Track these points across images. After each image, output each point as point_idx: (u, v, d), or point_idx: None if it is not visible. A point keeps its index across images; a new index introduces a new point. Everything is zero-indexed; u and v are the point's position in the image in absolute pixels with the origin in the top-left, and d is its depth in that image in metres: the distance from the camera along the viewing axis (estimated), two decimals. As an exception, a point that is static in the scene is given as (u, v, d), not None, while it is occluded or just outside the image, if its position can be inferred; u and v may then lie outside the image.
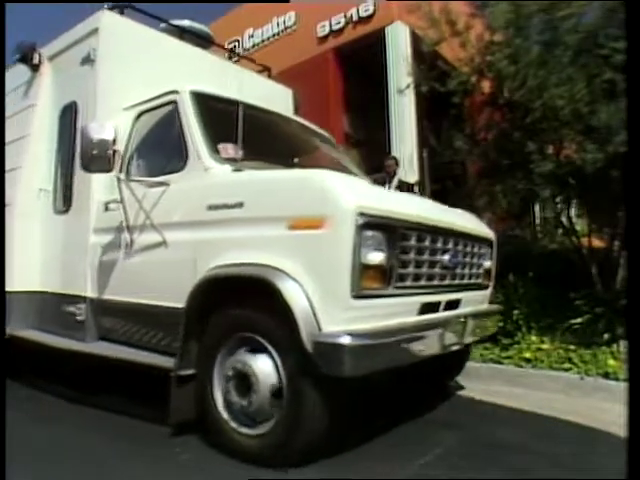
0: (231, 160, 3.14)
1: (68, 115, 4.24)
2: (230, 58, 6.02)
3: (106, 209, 3.68)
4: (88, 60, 4.02)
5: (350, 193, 2.49)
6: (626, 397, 1.57)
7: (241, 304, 2.72)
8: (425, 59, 7.66)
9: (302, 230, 2.51)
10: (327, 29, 11.02)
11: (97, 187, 3.80)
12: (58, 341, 3.87)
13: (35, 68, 4.53)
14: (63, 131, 4.29)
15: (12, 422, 2.72)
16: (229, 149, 3.22)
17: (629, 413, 1.50)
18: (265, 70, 5.37)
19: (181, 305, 2.99)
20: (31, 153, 4.41)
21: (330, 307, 2.40)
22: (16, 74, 4.74)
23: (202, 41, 4.86)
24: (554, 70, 6.86)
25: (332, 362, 2.34)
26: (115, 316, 3.62)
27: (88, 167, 3.17)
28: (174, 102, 3.45)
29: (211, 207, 2.92)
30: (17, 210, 4.31)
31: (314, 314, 2.40)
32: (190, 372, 2.93)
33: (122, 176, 3.16)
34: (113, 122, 3.31)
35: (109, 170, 3.17)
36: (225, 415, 2.79)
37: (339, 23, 10.85)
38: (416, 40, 9.69)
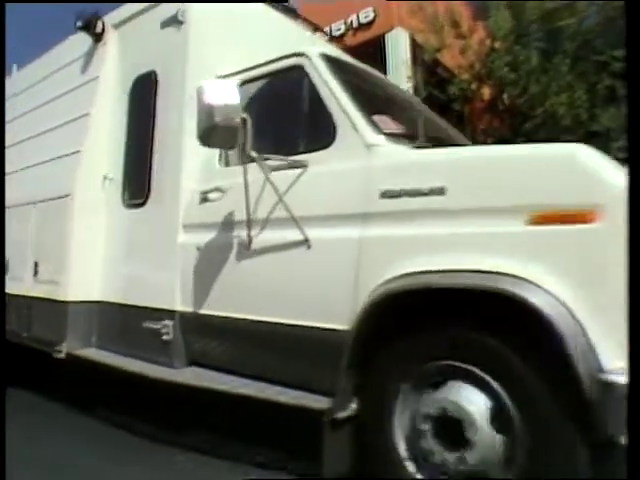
0: (394, 135, 2.42)
1: (143, 88, 3.49)
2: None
3: (203, 200, 2.93)
4: (174, 22, 3.29)
5: (620, 175, 1.79)
6: (626, 397, 1.46)
7: (446, 323, 1.98)
8: (425, 66, 7.61)
9: (555, 225, 1.79)
10: (327, 36, 10.66)
11: (189, 173, 3.05)
12: (134, 365, 3.09)
13: (98, 38, 3.78)
14: (135, 106, 3.54)
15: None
16: (389, 122, 2.51)
17: (629, 413, 1.38)
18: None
19: (333, 325, 2.26)
20: (93, 134, 3.65)
21: (613, 333, 1.68)
22: (73, 45, 4.00)
23: (289, 13, 4.16)
24: (554, 77, 6.70)
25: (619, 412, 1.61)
26: (218, 336, 2.85)
27: (207, 141, 2.42)
28: (299, 67, 2.72)
29: (387, 194, 2.18)
30: (76, 203, 3.54)
31: (589, 342, 1.68)
32: (350, 414, 2.19)
33: (253, 153, 2.40)
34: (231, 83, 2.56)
35: (233, 145, 2.43)
36: (412, 468, 2.05)
37: (339, 30, 10.63)
38: (416, 47, 9.73)
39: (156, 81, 3.37)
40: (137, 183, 3.42)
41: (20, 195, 4.18)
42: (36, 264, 3.82)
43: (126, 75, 3.63)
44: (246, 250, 2.65)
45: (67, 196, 3.55)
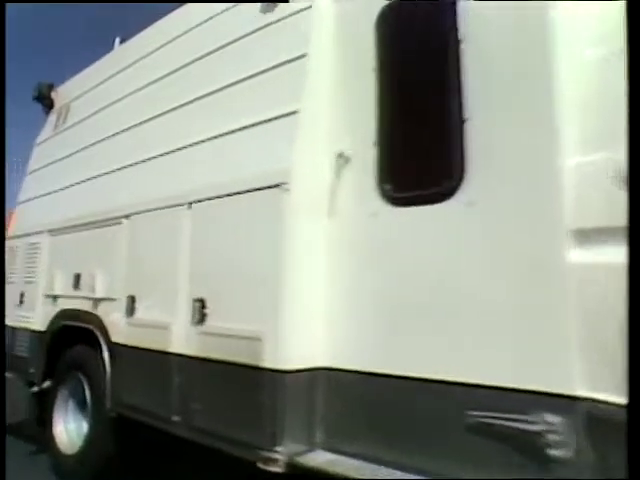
0: None
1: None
2: None
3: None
4: None
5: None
6: (626, 397, 1.21)
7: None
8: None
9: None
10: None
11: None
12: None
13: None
14: (397, 41, 2.13)
15: None
16: None
17: (629, 413, 1.16)
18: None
19: None
20: (313, 88, 2.23)
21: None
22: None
23: None
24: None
25: None
26: None
27: None
28: None
29: None
30: (294, 197, 2.06)
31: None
32: None
33: None
34: None
35: None
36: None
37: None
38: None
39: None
40: (427, 163, 1.96)
41: (140, 197, 2.78)
42: (202, 302, 2.31)
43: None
44: None
45: (275, 187, 2.08)
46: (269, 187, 2.10)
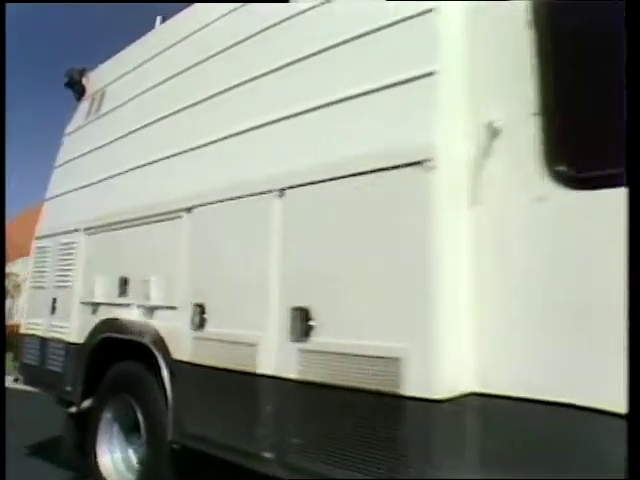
0: None
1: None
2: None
3: None
4: None
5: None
6: (626, 397, 1.21)
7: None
8: None
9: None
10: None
11: None
12: None
13: None
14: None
15: None
16: None
17: (629, 413, 1.18)
18: None
19: None
20: (451, 43, 1.76)
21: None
22: None
23: None
24: None
25: None
26: None
27: None
28: None
29: None
30: (439, 179, 1.60)
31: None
32: None
33: None
34: None
35: None
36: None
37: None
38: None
39: None
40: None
41: (205, 186, 2.36)
42: (304, 312, 1.85)
43: None
44: None
45: (414, 165, 1.62)
46: (406, 165, 1.64)
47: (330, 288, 1.81)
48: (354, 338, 1.70)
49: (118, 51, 3.85)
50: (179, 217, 2.51)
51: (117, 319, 2.85)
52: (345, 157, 1.82)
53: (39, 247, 3.78)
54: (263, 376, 1.96)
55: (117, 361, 2.87)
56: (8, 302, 16.51)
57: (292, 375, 1.86)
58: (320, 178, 1.88)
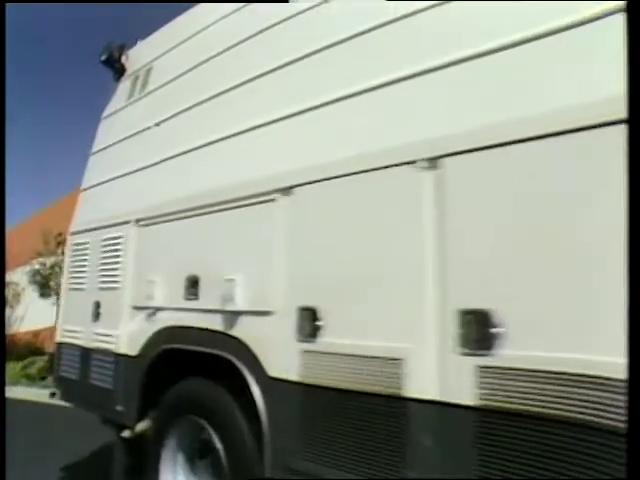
0: None
1: None
2: None
3: None
4: None
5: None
6: (626, 397, 1.11)
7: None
8: None
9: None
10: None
11: None
12: None
13: None
14: None
15: None
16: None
17: (629, 413, 1.07)
18: None
19: None
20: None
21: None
22: None
23: None
24: None
25: None
26: None
27: None
28: None
29: None
30: None
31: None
32: None
33: None
34: None
35: None
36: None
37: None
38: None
39: None
40: None
41: (309, 162, 1.93)
42: (483, 315, 1.38)
43: None
44: None
45: None
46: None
47: (525, 286, 1.33)
48: (580, 351, 1.23)
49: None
50: (271, 200, 2.04)
51: (183, 327, 2.38)
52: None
53: (76, 244, 3.31)
54: (417, 401, 1.48)
55: (182, 377, 2.40)
56: (8, 311, 16.12)
57: (466, 401, 1.39)
58: (497, 141, 1.42)
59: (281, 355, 1.89)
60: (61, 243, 13.78)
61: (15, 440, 3.63)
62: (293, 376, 1.83)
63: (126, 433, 2.63)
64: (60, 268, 13.33)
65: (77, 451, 4.13)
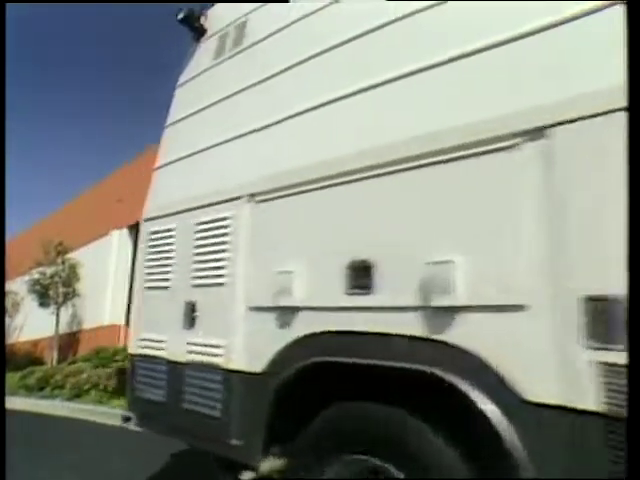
0: None
1: None
2: None
3: None
4: None
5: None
6: (626, 397, 1.12)
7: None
8: None
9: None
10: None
11: None
12: None
13: None
14: None
15: None
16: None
17: (629, 413, 1.09)
18: None
19: None
20: None
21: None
22: None
23: None
24: None
25: None
26: None
27: None
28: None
29: None
30: None
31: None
32: None
33: None
34: None
35: None
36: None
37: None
38: None
39: None
40: None
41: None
42: None
43: None
44: None
45: None
46: None
47: None
48: None
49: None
50: (512, 147, 1.42)
51: (347, 332, 1.73)
52: None
53: (154, 232, 2.66)
54: None
55: (333, 400, 1.75)
56: (7, 321, 15.47)
57: None
58: None
59: (551, 370, 1.25)
60: (61, 252, 13.26)
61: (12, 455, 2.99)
62: (580, 403, 1.19)
63: (247, 475, 1.95)
64: (60, 277, 12.81)
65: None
